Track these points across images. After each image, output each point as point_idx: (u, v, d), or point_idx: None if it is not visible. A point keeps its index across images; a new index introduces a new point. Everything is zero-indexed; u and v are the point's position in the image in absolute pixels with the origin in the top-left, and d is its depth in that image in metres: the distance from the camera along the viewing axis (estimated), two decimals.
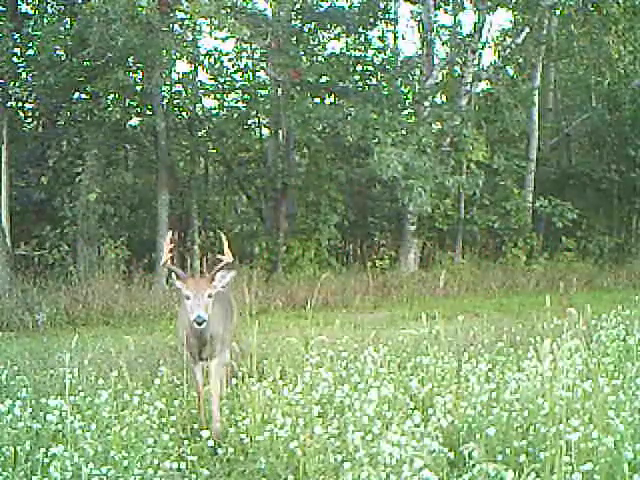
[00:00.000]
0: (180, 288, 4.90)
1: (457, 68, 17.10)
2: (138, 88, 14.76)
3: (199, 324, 4.71)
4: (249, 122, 17.65)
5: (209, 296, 4.85)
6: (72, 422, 4.08)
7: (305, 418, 4.27)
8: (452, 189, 14.95)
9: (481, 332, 7.28)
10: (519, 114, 16.96)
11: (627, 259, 17.18)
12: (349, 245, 18.23)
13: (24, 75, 13.81)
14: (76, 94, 14.65)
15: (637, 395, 4.33)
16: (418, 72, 17.18)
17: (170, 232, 5.48)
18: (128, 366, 5.70)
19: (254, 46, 15.85)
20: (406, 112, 16.69)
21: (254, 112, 17.23)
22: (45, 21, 14.36)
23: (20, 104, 15.18)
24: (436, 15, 16.75)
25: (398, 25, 18.22)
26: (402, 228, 16.17)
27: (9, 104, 13.81)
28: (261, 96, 17.14)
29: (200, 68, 16.30)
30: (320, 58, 17.13)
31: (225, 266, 5.03)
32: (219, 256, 5.18)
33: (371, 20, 16.95)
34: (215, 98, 17.15)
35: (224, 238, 5.22)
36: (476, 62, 16.64)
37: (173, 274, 4.98)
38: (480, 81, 17.25)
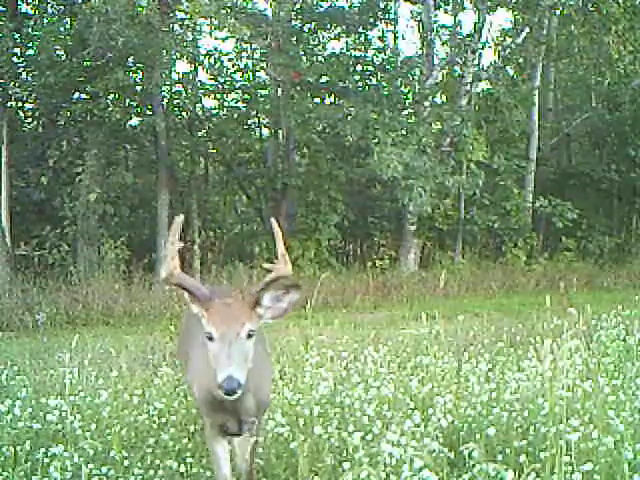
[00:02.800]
0: (198, 315, 2.93)
1: (457, 68, 17.09)
2: (138, 88, 14.76)
3: (229, 394, 2.69)
4: (249, 122, 17.66)
5: (249, 336, 2.81)
6: (72, 422, 4.08)
7: (305, 418, 4.27)
8: (452, 189, 14.95)
9: (481, 332, 7.29)
10: (519, 114, 16.98)
11: (627, 259, 17.17)
12: (349, 245, 18.23)
13: (24, 75, 13.82)
14: (76, 94, 14.63)
15: (637, 395, 4.32)
16: (418, 72, 17.19)
17: (178, 221, 3.04)
18: (128, 366, 5.70)
19: (254, 46, 15.87)
20: (406, 112, 16.68)
21: (254, 112, 17.23)
22: (45, 21, 14.37)
23: (20, 104, 15.18)
24: (436, 15, 16.78)
25: (398, 25, 18.34)
26: (402, 228, 16.17)
27: (9, 104, 13.83)
28: (261, 96, 17.15)
29: (200, 68, 16.34)
30: (320, 58, 17.15)
31: (279, 281, 2.97)
32: (267, 265, 3.05)
33: (371, 20, 17.02)
34: (215, 98, 17.15)
35: (277, 231, 3.11)
36: (476, 62, 16.64)
37: (184, 293, 2.96)
38: (480, 81, 17.25)
